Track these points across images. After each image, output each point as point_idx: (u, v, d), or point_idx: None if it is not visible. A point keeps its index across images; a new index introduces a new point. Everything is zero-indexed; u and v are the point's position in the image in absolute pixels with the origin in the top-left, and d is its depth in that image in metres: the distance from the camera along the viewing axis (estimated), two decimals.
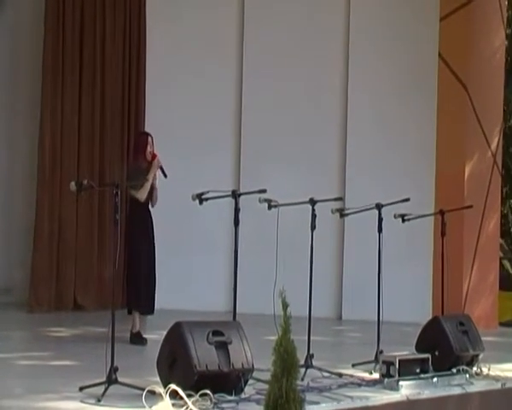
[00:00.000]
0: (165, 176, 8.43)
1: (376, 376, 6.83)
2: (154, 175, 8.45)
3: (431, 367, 6.91)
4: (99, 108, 11.23)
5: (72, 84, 11.08)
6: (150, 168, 8.40)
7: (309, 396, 5.76)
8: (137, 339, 8.35)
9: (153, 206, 8.52)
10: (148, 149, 8.52)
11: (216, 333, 5.90)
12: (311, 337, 7.00)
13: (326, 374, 6.84)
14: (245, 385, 5.92)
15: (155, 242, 8.52)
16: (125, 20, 11.51)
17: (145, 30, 11.58)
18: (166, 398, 5.46)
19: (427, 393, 6.56)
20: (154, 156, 8.48)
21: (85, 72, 11.19)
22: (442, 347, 7.19)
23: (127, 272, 8.62)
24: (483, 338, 7.66)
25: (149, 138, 8.59)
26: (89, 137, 11.18)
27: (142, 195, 8.37)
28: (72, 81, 11.07)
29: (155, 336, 7.77)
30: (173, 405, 5.45)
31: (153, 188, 8.44)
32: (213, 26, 11.61)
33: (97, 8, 11.29)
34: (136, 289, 8.41)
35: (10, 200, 11.45)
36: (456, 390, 6.75)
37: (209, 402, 5.56)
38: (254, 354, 5.98)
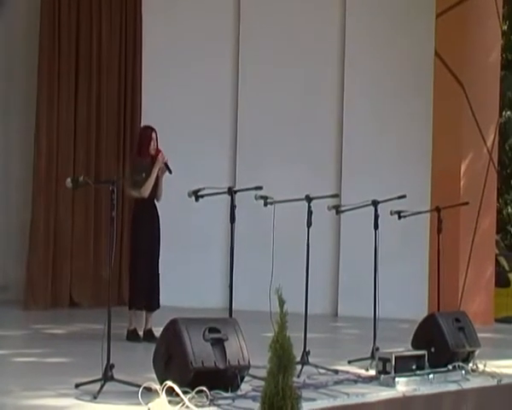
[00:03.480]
0: (170, 172, 8.35)
1: (372, 372, 6.83)
2: (161, 170, 8.41)
3: (427, 364, 6.91)
4: (95, 106, 11.23)
5: (68, 82, 11.07)
6: (154, 164, 8.36)
7: (305, 393, 5.73)
8: (133, 336, 8.35)
9: (158, 200, 8.49)
10: (152, 145, 8.46)
11: (212, 330, 5.89)
12: (308, 334, 7.00)
13: (322, 371, 6.84)
14: (241, 382, 5.91)
15: (161, 238, 8.48)
16: (121, 17, 11.51)
17: (141, 27, 11.58)
18: (162, 395, 5.45)
19: (423, 389, 6.56)
20: (158, 152, 8.43)
21: (81, 70, 11.18)
22: (438, 343, 7.20)
23: (130, 270, 8.61)
24: (479, 335, 7.66)
25: (153, 134, 8.51)
26: (85, 136, 11.18)
27: (144, 192, 8.33)
28: (68, 80, 11.06)
29: None
30: (169, 402, 5.44)
31: (157, 183, 8.40)
32: (209, 23, 11.60)
33: (93, 6, 11.28)
34: (137, 287, 8.40)
35: (6, 198, 11.43)
36: (452, 387, 6.76)
37: (205, 399, 5.55)
38: (251, 350, 5.98)
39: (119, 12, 11.49)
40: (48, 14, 10.93)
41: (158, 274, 8.47)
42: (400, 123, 11.29)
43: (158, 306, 8.46)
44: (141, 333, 8.37)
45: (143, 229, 8.37)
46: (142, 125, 10.74)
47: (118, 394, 5.69)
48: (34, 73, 10.96)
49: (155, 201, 8.47)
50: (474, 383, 6.95)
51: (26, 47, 11.32)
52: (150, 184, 8.30)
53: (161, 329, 6.00)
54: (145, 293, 8.38)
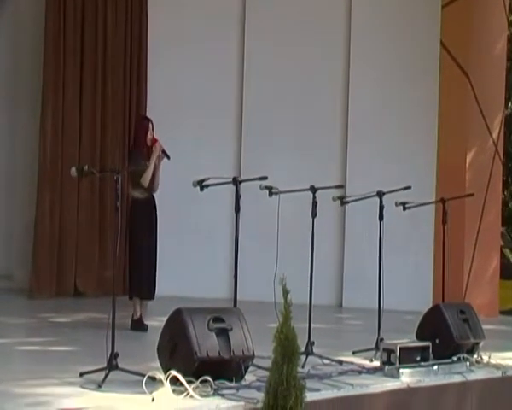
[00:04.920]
0: (169, 158, 8.44)
1: (377, 363, 6.83)
2: (158, 159, 8.44)
3: (431, 355, 6.91)
4: (100, 98, 11.23)
5: (74, 75, 11.06)
6: (151, 154, 8.40)
7: (309, 383, 5.74)
8: (138, 325, 8.36)
9: (154, 191, 8.52)
10: (149, 135, 8.51)
11: (216, 320, 5.89)
12: (312, 325, 7.00)
13: (326, 361, 6.84)
14: (245, 372, 5.91)
15: (158, 228, 8.51)
16: (127, 7, 11.49)
17: (146, 17, 11.57)
18: (167, 384, 5.46)
19: (427, 381, 6.55)
20: (154, 141, 8.48)
21: (86, 62, 11.17)
22: (443, 335, 7.19)
23: (129, 258, 8.62)
24: (484, 326, 7.65)
25: (150, 124, 8.58)
26: (90, 127, 11.18)
27: (144, 181, 8.37)
28: (73, 73, 11.05)
29: (156, 323, 7.77)
30: (173, 391, 5.45)
31: (154, 173, 8.43)
32: (215, 12, 11.58)
33: None
34: (137, 275, 8.41)
35: (12, 187, 11.46)
36: (457, 378, 6.75)
37: (209, 389, 5.56)
38: (255, 341, 5.98)
39: (125, 3, 11.46)
40: (53, 8, 10.91)
41: (155, 264, 8.47)
42: (405, 114, 11.26)
43: (152, 296, 8.47)
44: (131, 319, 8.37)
45: (141, 220, 8.39)
46: (139, 116, 10.80)
47: (122, 382, 5.70)
48: (40, 65, 10.94)
49: (152, 192, 8.49)
50: (479, 374, 6.95)
51: (31, 41, 11.31)
52: (149, 173, 8.34)
53: (166, 319, 6.00)
54: (142, 282, 8.38)
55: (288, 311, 4.39)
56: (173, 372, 5.51)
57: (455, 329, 7.25)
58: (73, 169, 6.52)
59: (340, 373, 6.45)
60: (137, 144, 8.61)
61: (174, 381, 5.51)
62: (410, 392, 6.38)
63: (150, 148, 8.47)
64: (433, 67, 11.12)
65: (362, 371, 6.64)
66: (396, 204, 8.13)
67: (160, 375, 5.59)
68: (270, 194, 7.11)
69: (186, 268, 11.15)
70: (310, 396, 5.17)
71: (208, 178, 6.86)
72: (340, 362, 6.87)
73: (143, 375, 5.63)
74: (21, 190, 11.36)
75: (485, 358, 7.28)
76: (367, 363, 6.97)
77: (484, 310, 9.94)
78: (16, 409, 5.11)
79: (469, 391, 6.78)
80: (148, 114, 10.95)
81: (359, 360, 7.05)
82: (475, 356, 7.27)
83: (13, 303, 10.13)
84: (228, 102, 11.64)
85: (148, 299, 8.57)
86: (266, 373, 4.60)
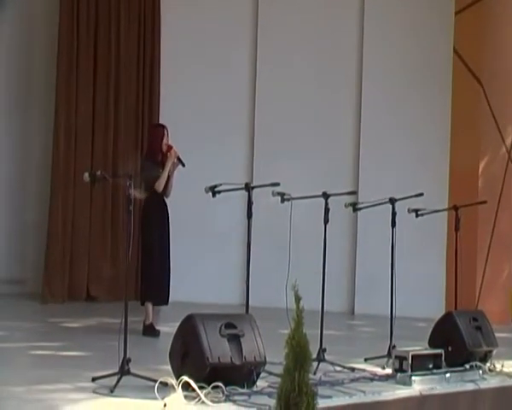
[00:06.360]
0: (183, 165, 8.46)
1: (389, 371, 6.81)
2: (173, 166, 8.45)
3: (444, 363, 6.89)
4: (113, 101, 11.25)
5: (87, 77, 11.09)
6: (166, 160, 8.41)
7: (321, 390, 5.75)
8: (150, 331, 8.36)
9: (167, 196, 8.54)
10: (164, 141, 8.53)
11: (228, 326, 5.90)
12: (324, 331, 6.99)
13: (338, 368, 6.83)
14: (257, 378, 5.91)
15: (170, 233, 8.52)
16: (140, 10, 11.52)
17: (159, 20, 11.59)
18: (179, 390, 5.47)
19: (439, 388, 6.54)
20: (169, 148, 8.48)
21: (99, 65, 11.20)
22: (455, 342, 7.17)
23: (141, 263, 8.63)
24: (496, 334, 7.62)
25: (165, 131, 8.59)
26: (103, 130, 11.21)
27: (159, 186, 8.37)
28: (86, 74, 11.09)
29: (168, 328, 7.78)
30: (185, 397, 5.46)
31: (168, 179, 8.44)
32: (228, 16, 11.60)
33: (112, 1, 11.30)
34: (150, 280, 8.41)
35: (25, 191, 11.48)
36: (469, 386, 6.73)
37: (221, 395, 5.56)
38: (267, 347, 5.98)
39: (138, 7, 11.49)
40: (67, 11, 10.94)
41: (169, 270, 8.48)
42: (418, 121, 11.25)
43: (166, 302, 8.48)
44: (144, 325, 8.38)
45: (154, 224, 8.41)
46: (153, 123, 10.82)
47: (134, 388, 5.71)
48: (53, 67, 10.98)
49: (165, 197, 8.50)
50: (491, 382, 6.92)
51: (44, 40, 11.33)
52: (164, 179, 8.35)
53: (178, 324, 6.01)
54: (154, 287, 8.39)
55: (300, 317, 4.38)
56: (185, 378, 5.52)
57: (467, 336, 7.22)
58: (86, 175, 6.52)
59: (352, 380, 6.44)
60: (152, 150, 8.61)
61: (186, 387, 5.52)
62: (422, 400, 6.37)
63: (165, 154, 8.47)
64: (446, 73, 11.11)
65: (374, 378, 6.63)
66: (408, 211, 8.12)
67: (172, 380, 5.60)
68: (283, 200, 7.11)
69: (198, 274, 11.15)
70: (321, 403, 5.15)
71: (220, 185, 6.87)
72: (352, 369, 6.87)
73: (155, 380, 5.64)
74: (34, 196, 11.38)
75: (498, 366, 7.25)
76: (379, 370, 6.96)
77: (497, 318, 9.88)
78: None
79: (482, 399, 6.75)
80: (160, 120, 10.98)
81: (371, 367, 7.04)
82: (488, 364, 7.24)
83: (25, 308, 10.15)
84: (240, 109, 11.64)
85: (161, 304, 8.57)
86: (278, 380, 4.58)
